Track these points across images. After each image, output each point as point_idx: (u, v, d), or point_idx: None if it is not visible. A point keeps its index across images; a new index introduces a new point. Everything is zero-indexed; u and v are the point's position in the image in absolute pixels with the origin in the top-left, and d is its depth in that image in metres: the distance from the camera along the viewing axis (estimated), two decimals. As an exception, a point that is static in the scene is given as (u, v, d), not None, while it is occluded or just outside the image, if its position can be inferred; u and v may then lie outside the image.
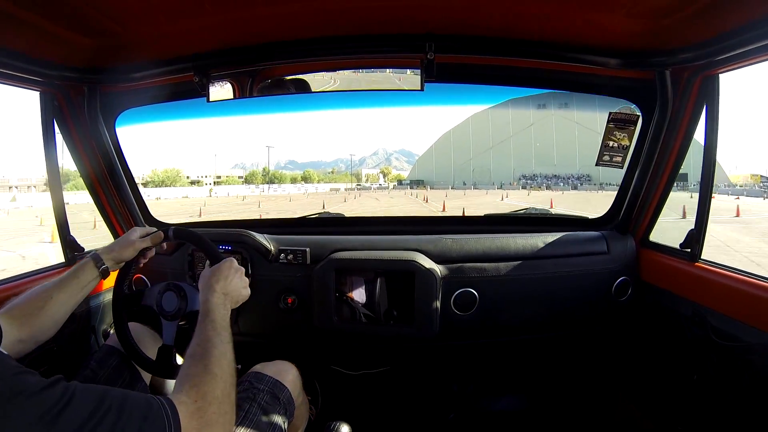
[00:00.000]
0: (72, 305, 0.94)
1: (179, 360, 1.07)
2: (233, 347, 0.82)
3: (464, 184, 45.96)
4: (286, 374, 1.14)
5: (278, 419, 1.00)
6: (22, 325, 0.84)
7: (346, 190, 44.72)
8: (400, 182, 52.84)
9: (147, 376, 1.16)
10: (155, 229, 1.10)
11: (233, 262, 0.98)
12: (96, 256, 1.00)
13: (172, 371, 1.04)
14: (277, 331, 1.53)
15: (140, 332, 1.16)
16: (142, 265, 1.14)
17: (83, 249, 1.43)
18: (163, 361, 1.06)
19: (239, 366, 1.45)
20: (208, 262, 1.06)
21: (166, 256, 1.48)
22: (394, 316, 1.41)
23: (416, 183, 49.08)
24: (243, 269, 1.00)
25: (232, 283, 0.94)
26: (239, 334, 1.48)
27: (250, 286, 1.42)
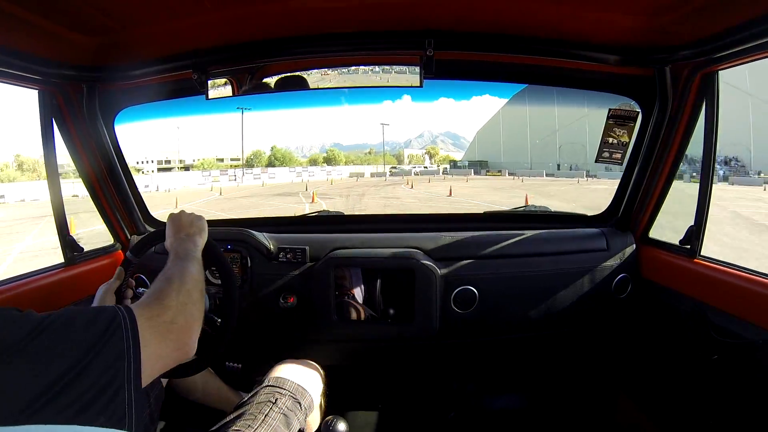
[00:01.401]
0: None
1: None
2: (202, 271, 0.88)
3: (564, 168, 29.34)
4: (312, 377, 1.16)
5: (296, 424, 1.02)
6: None
7: (371, 175, 33.85)
8: (454, 164, 38.67)
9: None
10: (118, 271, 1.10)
11: (172, 213, 1.03)
12: None
13: (196, 364, 1.01)
14: (278, 329, 1.54)
15: None
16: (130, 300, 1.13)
17: (82, 249, 1.43)
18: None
19: (239, 365, 1.46)
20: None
21: (164, 255, 1.49)
22: (394, 315, 1.42)
23: (478, 165, 35.08)
24: (183, 210, 1.03)
25: (181, 225, 0.98)
26: (239, 333, 1.49)
27: (250, 284, 1.45)
